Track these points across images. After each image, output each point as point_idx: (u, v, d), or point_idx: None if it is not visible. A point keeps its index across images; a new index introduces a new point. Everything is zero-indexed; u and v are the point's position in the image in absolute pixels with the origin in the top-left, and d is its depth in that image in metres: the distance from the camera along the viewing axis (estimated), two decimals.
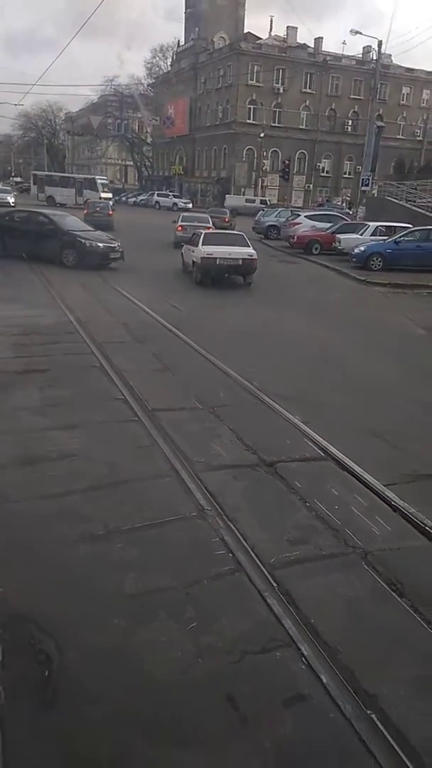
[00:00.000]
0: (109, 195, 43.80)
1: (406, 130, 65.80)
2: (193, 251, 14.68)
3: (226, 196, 53.29)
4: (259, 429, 5.71)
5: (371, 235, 20.06)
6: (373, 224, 20.84)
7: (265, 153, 58.47)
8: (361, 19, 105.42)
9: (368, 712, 2.60)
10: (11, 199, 38.42)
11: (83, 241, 15.82)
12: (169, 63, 74.54)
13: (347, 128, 62.81)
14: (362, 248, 18.61)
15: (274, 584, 3.42)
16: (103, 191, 44.80)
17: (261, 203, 48.91)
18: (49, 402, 6.06)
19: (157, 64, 76.08)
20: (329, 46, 74.37)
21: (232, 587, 3.42)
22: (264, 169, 58.51)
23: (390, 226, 20.61)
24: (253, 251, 14.62)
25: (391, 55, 64.47)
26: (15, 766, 2.29)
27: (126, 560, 3.59)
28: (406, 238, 18.49)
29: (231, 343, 8.83)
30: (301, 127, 61.80)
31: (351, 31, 38.12)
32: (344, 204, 43.73)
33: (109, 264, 15.99)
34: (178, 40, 72.90)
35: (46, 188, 45.17)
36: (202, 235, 14.91)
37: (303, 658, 2.89)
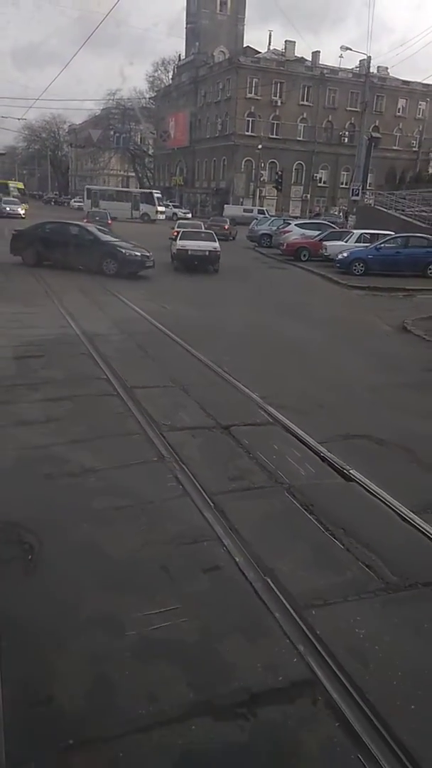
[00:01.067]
0: (162, 209, 44.41)
1: (402, 141, 67.19)
2: (173, 245, 19.40)
3: (225, 206, 54.50)
4: (221, 402, 6.70)
5: (355, 242, 21.11)
6: (357, 232, 21.91)
7: (263, 164, 59.76)
8: (363, 31, 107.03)
9: (265, 577, 3.56)
10: (22, 211, 39.14)
11: (123, 251, 16.89)
12: (170, 76, 76.28)
13: (344, 139, 64.14)
14: (345, 254, 19.65)
15: (211, 504, 4.39)
16: (159, 205, 45.62)
17: (258, 213, 50.07)
18: (40, 380, 7.05)
19: (158, 77, 77.96)
20: (330, 59, 75.96)
21: (179, 506, 4.39)
22: (262, 179, 59.74)
23: (374, 234, 21.66)
24: (217, 245, 18.98)
25: (387, 68, 66.13)
26: (6, 607, 3.25)
27: (96, 488, 4.57)
28: (386, 245, 19.51)
29: (211, 338, 9.80)
30: (298, 138, 63.24)
31: (341, 47, 39.21)
32: (341, 213, 44.78)
33: (142, 271, 17.10)
34: (179, 54, 74.62)
35: (100, 202, 45.60)
36: (180, 232, 19.57)
37: (224, 547, 3.85)
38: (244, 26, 70.57)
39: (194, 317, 11.77)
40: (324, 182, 65.63)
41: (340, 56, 71.53)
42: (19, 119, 65.75)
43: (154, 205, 44.12)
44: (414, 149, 63.53)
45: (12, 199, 43.77)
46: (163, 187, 74.68)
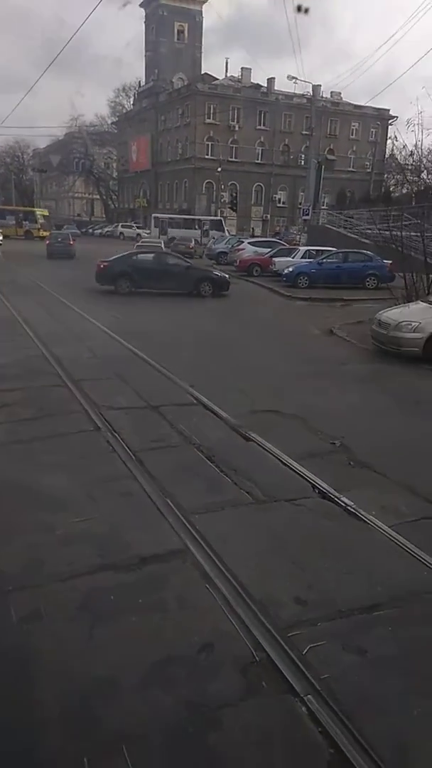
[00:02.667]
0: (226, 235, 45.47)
1: (356, 163, 70.12)
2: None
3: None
4: (155, 389, 7.91)
5: (301, 258, 22.68)
6: (303, 248, 23.58)
7: (223, 186, 61.73)
8: (324, 57, 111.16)
9: (165, 498, 4.75)
10: None
11: (217, 275, 19.02)
12: (131, 102, 78.37)
13: (300, 162, 66.60)
14: (291, 269, 21.19)
15: (133, 458, 5.57)
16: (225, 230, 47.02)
17: (228, 234, 51.77)
18: None
19: (120, 102, 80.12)
20: (289, 84, 78.86)
21: (107, 460, 5.56)
22: (223, 201, 61.66)
23: (319, 250, 23.30)
24: None
25: (340, 93, 69.29)
26: None
27: (41, 450, 5.72)
28: (327, 260, 21.13)
29: (156, 342, 11.00)
30: (256, 161, 65.56)
31: (288, 77, 41.33)
32: (299, 232, 46.74)
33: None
34: (139, 81, 76.81)
35: (168, 230, 46.22)
36: (135, 246, 23.11)
37: (138, 483, 5.04)
38: (202, 54, 73.24)
39: (146, 324, 13.01)
40: (283, 203, 67.98)
41: (295, 82, 74.62)
42: None
43: (223, 231, 45.69)
44: (368, 170, 66.43)
45: None
46: (128, 209, 76.40)
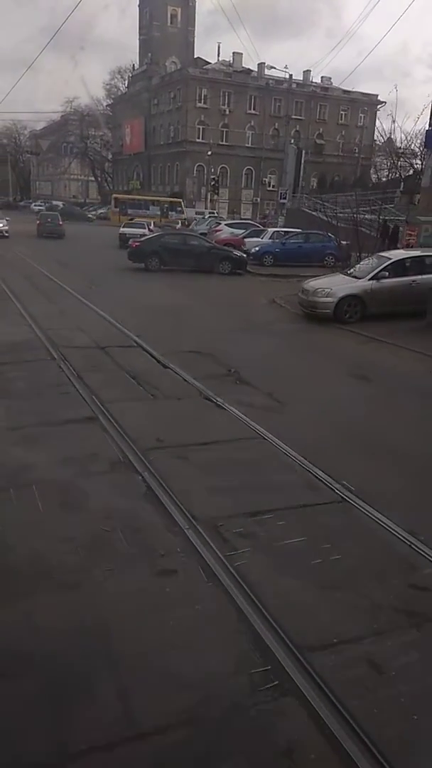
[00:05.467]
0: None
1: (345, 148, 71.59)
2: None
3: (177, 209, 57.91)
4: (105, 336, 10.07)
5: (269, 239, 24.71)
6: (270, 230, 25.55)
7: (213, 169, 63.32)
8: (324, 39, 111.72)
9: (92, 396, 6.92)
10: (3, 227, 30.31)
11: (236, 254, 21.14)
12: (125, 85, 79.57)
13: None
14: (257, 248, 23.22)
15: (75, 374, 7.73)
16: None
17: (209, 215, 53.70)
18: None
19: (115, 85, 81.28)
20: (293, 68, 79.94)
21: (64, 393, 7.61)
22: (213, 184, 63.27)
23: (286, 231, 25.30)
24: (146, 232, 27.19)
25: (330, 78, 70.71)
26: None
27: (10, 378, 7.88)
28: (291, 240, 23.17)
29: (121, 307, 13.09)
30: (246, 145, 67.11)
31: (265, 65, 42.76)
32: (276, 215, 48.58)
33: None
34: (133, 64, 77.90)
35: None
36: (123, 223, 27.45)
37: (77, 389, 7.20)
38: (194, 38, 74.28)
39: (116, 293, 15.14)
40: (272, 186, 69.38)
41: (285, 66, 75.88)
42: None
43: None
44: (356, 155, 67.97)
45: None
46: (122, 191, 77.98)
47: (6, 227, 29.97)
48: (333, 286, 12.18)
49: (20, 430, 5.86)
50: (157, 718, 2.65)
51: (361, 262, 13.89)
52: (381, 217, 22.26)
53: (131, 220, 36.14)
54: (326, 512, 4.59)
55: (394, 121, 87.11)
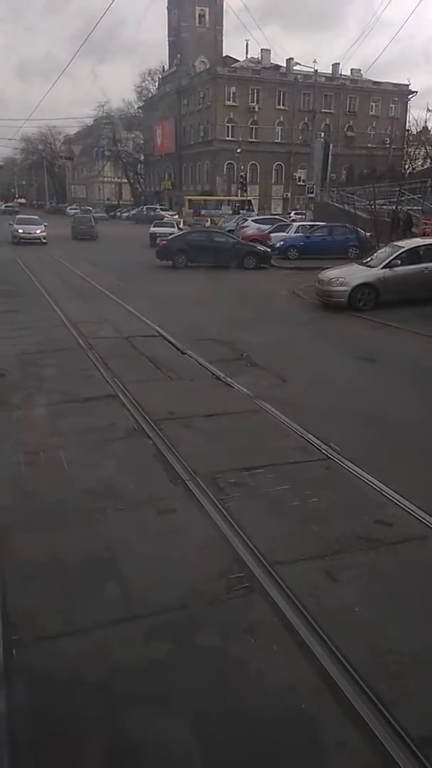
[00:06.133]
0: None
1: (376, 139, 71.14)
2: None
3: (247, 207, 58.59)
4: (129, 327, 10.87)
5: (294, 233, 25.20)
6: (296, 224, 26.00)
7: (243, 166, 63.87)
8: (355, 31, 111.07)
9: (114, 378, 7.69)
10: (42, 234, 30.14)
11: (260, 249, 22.03)
12: (156, 86, 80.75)
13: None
14: (282, 242, 23.75)
15: (101, 360, 8.52)
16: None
17: (240, 210, 54.25)
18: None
19: (146, 87, 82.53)
20: (320, 63, 79.88)
21: (90, 376, 8.43)
22: (241, 181, 63.79)
23: (312, 225, 25.74)
24: (175, 230, 28.88)
25: (360, 70, 70.32)
26: None
27: (42, 365, 8.72)
28: (315, 233, 23.61)
29: (146, 301, 13.88)
30: (276, 141, 67.47)
31: (292, 61, 43.04)
32: (304, 209, 48.81)
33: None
34: (163, 65, 79.01)
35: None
36: (153, 223, 30.82)
37: (101, 372, 7.99)
38: (223, 37, 74.88)
39: (143, 289, 15.98)
40: (303, 180, 69.44)
41: (314, 61, 75.68)
42: (10, 139, 70.63)
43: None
44: (387, 146, 67.51)
45: (29, 217, 34.41)
46: (154, 192, 79.31)
47: (44, 233, 30.33)
48: (347, 275, 12.71)
49: (49, 406, 6.66)
50: (152, 607, 3.37)
51: (376, 252, 14.33)
52: (396, 207, 22.55)
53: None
54: (311, 468, 5.23)
55: (429, 110, 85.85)
